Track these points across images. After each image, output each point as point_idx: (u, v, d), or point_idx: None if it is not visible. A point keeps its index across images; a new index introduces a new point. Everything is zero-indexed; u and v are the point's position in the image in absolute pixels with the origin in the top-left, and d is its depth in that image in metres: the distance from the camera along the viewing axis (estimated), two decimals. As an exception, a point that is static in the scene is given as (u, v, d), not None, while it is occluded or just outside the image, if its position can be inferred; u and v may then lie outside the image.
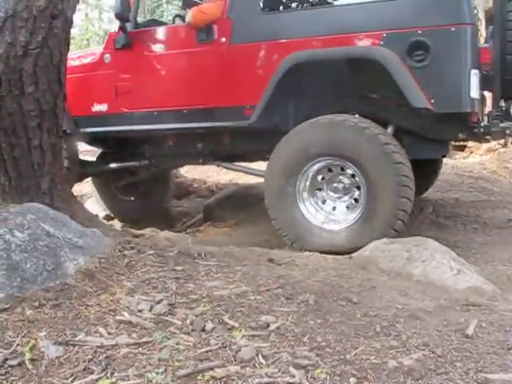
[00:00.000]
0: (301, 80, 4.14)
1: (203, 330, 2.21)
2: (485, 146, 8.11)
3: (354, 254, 3.48)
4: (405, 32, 3.88)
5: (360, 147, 3.85)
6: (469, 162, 8.01)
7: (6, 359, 1.93)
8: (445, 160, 7.87)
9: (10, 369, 1.89)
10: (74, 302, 2.43)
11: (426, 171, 5.30)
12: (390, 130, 4.05)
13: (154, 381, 1.83)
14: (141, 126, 4.78)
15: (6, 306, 2.31)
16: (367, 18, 4.04)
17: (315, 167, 4.08)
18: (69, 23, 3.66)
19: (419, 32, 3.82)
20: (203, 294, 2.55)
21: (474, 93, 3.77)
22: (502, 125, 4.07)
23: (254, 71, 4.39)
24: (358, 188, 4.02)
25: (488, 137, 4.26)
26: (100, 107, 4.99)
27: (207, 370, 1.88)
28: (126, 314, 2.33)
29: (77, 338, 2.11)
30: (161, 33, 4.95)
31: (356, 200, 4.07)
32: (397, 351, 2.06)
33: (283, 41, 4.25)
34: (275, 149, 4.14)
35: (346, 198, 4.12)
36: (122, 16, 4.73)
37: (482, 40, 4.97)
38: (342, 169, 4.08)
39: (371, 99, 4.08)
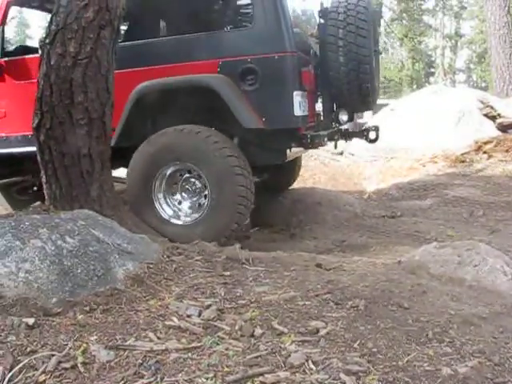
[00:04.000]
0: (152, 105, 4.51)
1: (252, 335, 2.20)
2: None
3: (403, 259, 3.40)
4: (237, 60, 4.38)
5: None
6: (520, 164, 7.77)
7: (60, 362, 1.97)
8: (495, 163, 7.68)
9: (63, 371, 1.93)
10: (123, 306, 2.47)
11: (285, 171, 6.00)
12: (235, 141, 4.50)
13: (203, 386, 1.83)
14: (9, 149, 5.10)
15: (59, 311, 2.36)
16: (205, 48, 4.51)
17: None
18: (116, 33, 3.73)
19: (249, 60, 4.33)
20: (252, 300, 2.54)
21: (298, 111, 4.31)
22: (321, 133, 4.68)
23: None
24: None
25: (314, 143, 4.66)
26: None
27: (257, 376, 1.87)
28: (175, 319, 2.35)
29: (127, 343, 2.13)
30: (18, 64, 5.15)
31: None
32: (451, 358, 2.00)
33: (131, 70, 4.58)
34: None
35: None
36: None
37: None
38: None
39: (218, 117, 4.48)
